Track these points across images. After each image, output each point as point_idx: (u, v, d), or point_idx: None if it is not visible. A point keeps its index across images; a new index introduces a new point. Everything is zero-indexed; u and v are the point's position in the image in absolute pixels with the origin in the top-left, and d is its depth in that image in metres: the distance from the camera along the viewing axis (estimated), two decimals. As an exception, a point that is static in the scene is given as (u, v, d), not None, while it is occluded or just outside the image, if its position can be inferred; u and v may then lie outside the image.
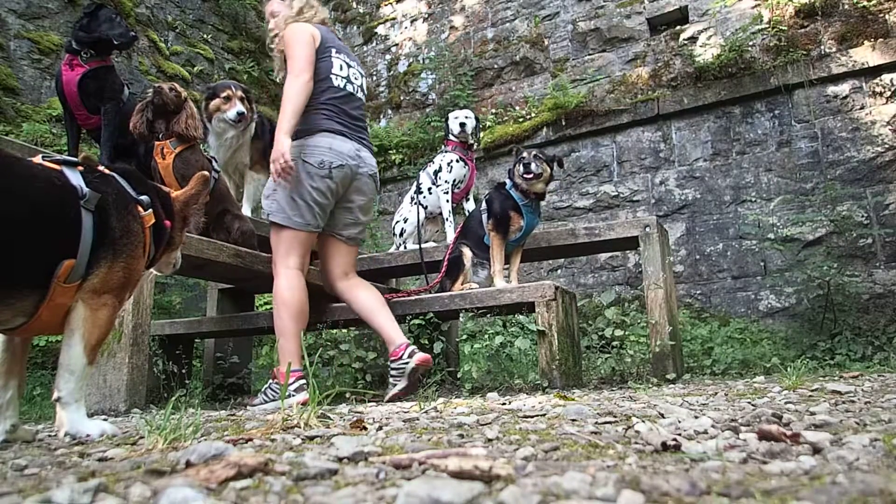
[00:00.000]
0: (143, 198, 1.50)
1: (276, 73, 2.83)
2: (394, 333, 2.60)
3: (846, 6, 5.39)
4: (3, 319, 1.32)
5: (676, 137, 5.86)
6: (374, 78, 8.11)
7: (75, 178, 1.36)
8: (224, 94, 3.52)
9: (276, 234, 2.59)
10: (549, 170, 3.24)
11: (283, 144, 2.47)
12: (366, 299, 2.69)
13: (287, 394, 2.32)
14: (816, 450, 0.89)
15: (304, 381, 2.44)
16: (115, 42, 3.27)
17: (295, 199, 2.53)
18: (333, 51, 2.68)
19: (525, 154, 3.21)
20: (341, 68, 2.69)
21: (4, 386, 1.42)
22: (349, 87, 2.71)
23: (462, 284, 3.23)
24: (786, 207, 5.24)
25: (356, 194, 2.70)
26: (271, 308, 2.58)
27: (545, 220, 5.92)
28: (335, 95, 2.65)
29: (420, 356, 2.50)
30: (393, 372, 2.56)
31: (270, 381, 2.57)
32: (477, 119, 4.05)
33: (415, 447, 0.97)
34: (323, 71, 2.63)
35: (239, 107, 3.47)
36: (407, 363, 2.51)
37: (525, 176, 3.16)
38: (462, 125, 3.91)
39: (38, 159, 1.38)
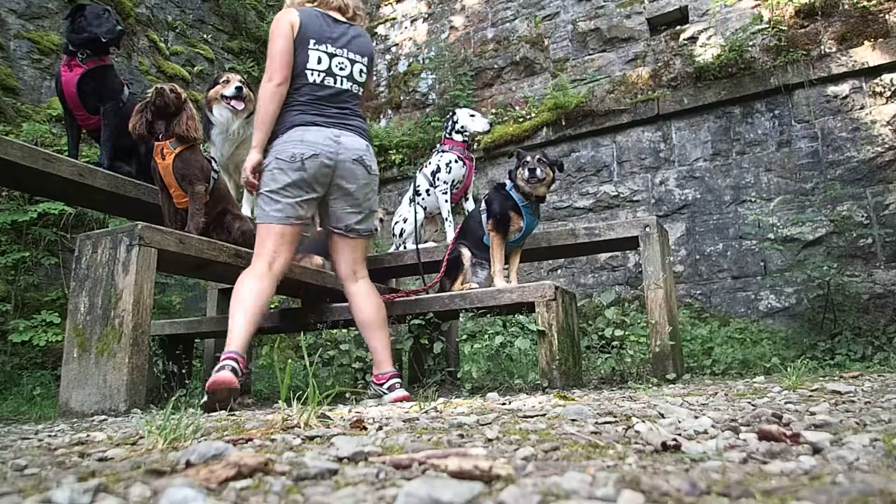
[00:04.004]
0: None
1: None
2: (383, 357, 2.60)
3: (846, 6, 5.39)
4: None
5: (676, 137, 5.86)
6: (375, 78, 8.11)
7: None
8: (223, 80, 3.58)
9: (258, 231, 2.58)
10: (551, 174, 3.24)
11: (248, 159, 2.55)
12: (367, 314, 2.64)
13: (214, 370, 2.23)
14: (816, 450, 0.89)
15: (229, 361, 2.22)
16: (103, 39, 3.25)
17: (273, 198, 2.52)
18: (312, 42, 2.56)
19: (529, 158, 3.20)
20: (319, 61, 2.57)
21: None
22: (329, 81, 2.58)
23: (462, 284, 3.23)
24: (786, 207, 5.24)
25: (343, 182, 2.58)
26: (271, 308, 2.58)
27: (545, 220, 5.92)
28: (311, 92, 2.56)
29: (396, 395, 2.47)
30: (370, 390, 2.60)
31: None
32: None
33: (415, 447, 0.97)
34: (298, 66, 2.54)
35: (237, 83, 3.51)
36: (383, 394, 2.52)
37: (530, 181, 3.15)
38: (472, 116, 3.93)
39: None
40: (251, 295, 2.39)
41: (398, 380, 2.56)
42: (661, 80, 6.01)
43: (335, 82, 2.61)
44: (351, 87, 2.66)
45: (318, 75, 2.57)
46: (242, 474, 0.76)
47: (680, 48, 6.04)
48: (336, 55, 2.62)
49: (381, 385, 2.55)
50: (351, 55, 2.67)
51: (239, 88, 3.51)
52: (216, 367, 2.23)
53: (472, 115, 3.95)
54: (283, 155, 2.50)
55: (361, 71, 2.70)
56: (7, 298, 4.33)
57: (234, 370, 2.20)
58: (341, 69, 2.63)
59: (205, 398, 2.18)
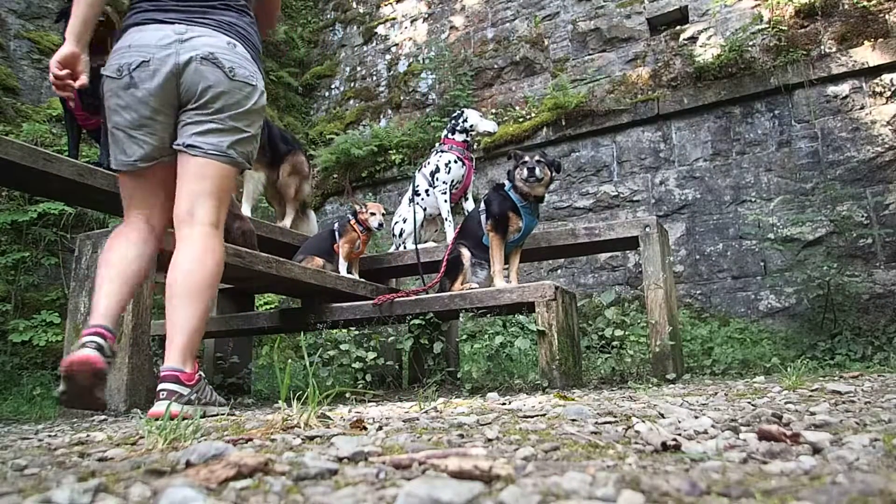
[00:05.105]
0: None
1: None
2: (176, 342, 1.82)
3: (846, 6, 5.39)
4: None
5: (676, 137, 5.86)
6: (374, 78, 8.11)
7: None
8: None
9: None
10: (549, 174, 3.24)
11: (60, 50, 1.91)
12: (177, 273, 1.87)
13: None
14: (816, 450, 0.89)
15: (93, 337, 1.76)
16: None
17: (111, 130, 1.94)
18: None
19: (527, 158, 3.20)
20: None
21: None
22: None
23: (461, 285, 3.23)
24: (786, 207, 5.24)
25: (188, 90, 1.89)
26: (271, 308, 2.56)
27: (545, 220, 5.92)
28: None
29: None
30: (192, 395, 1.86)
31: None
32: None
33: (415, 447, 0.97)
34: None
35: None
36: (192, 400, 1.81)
37: (528, 180, 3.16)
38: (481, 116, 3.95)
39: None
40: (116, 261, 1.91)
41: (174, 385, 1.79)
42: (661, 80, 6.01)
43: None
44: None
45: None
46: (242, 474, 0.76)
47: (680, 48, 6.04)
48: None
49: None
50: None
51: None
52: (78, 344, 1.76)
53: (482, 116, 3.98)
54: (109, 70, 1.92)
55: None
56: (7, 298, 4.33)
57: (98, 347, 1.74)
58: None
59: (62, 387, 1.69)
